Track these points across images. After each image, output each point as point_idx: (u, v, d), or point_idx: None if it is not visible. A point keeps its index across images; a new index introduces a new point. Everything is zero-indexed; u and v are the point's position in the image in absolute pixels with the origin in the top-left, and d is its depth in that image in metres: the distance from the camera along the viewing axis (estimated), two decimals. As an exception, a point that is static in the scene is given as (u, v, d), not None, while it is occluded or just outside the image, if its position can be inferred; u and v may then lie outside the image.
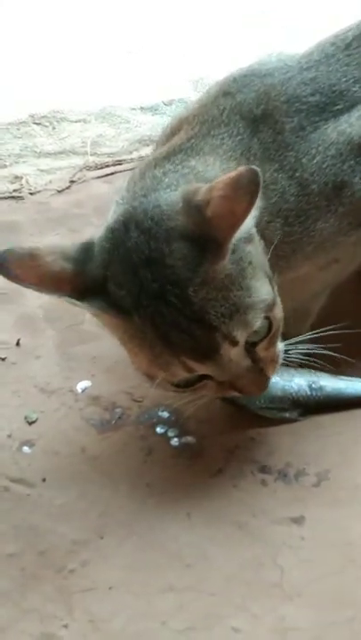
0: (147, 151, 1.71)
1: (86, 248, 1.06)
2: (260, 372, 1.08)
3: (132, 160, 1.69)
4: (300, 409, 1.20)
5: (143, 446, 1.19)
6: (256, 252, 1.08)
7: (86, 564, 1.07)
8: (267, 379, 1.09)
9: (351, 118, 1.19)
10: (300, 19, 2.01)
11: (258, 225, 1.12)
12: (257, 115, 1.17)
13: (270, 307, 1.07)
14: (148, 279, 1.02)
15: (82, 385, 1.26)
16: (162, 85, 1.87)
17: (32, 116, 1.79)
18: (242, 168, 1.01)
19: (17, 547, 1.09)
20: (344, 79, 1.20)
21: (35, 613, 1.03)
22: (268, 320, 1.07)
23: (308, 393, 1.20)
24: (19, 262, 1.03)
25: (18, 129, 1.76)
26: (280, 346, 1.11)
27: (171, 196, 1.06)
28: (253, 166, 1.00)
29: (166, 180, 1.10)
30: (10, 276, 1.03)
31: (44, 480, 1.16)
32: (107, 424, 1.22)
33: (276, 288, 1.10)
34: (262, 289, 1.06)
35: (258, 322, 1.05)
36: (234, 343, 1.04)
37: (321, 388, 1.21)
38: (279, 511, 1.10)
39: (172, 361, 1.04)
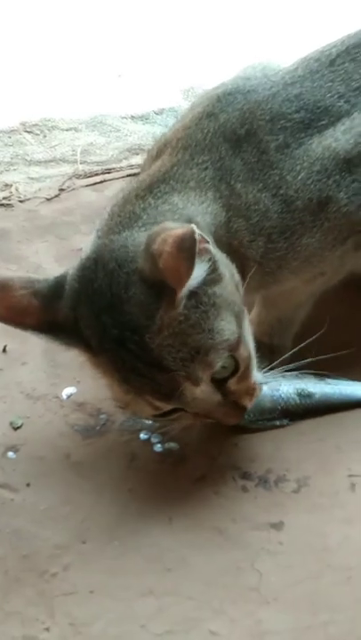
0: (137, 160, 1.72)
1: (57, 284, 1.09)
2: (233, 405, 1.10)
3: (121, 169, 1.70)
4: (290, 416, 1.22)
5: (127, 452, 1.20)
6: (223, 292, 1.08)
7: (68, 568, 1.09)
8: (243, 409, 1.11)
9: (337, 132, 1.19)
10: (290, 27, 2.03)
11: (238, 246, 1.14)
12: (240, 135, 1.17)
13: (234, 346, 1.08)
14: (109, 325, 1.05)
15: (67, 391, 1.28)
16: (152, 94, 1.89)
17: (23, 124, 1.80)
18: (187, 228, 1.01)
19: (0, 550, 1.10)
20: (329, 95, 1.21)
21: (17, 616, 1.05)
22: (234, 358, 1.08)
23: (298, 401, 1.22)
24: None
25: (9, 137, 1.78)
26: (258, 377, 1.13)
27: (140, 236, 1.08)
28: (195, 230, 1.00)
29: (144, 217, 1.11)
30: None
31: (28, 485, 1.17)
32: (91, 430, 1.23)
33: (245, 325, 1.11)
34: (225, 329, 1.07)
35: (220, 361, 1.06)
36: (196, 383, 1.06)
37: (310, 395, 1.22)
38: (259, 517, 1.12)
39: (137, 399, 1.08)
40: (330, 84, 1.22)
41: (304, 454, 1.19)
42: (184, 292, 1.03)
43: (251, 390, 1.12)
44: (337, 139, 1.19)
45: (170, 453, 1.20)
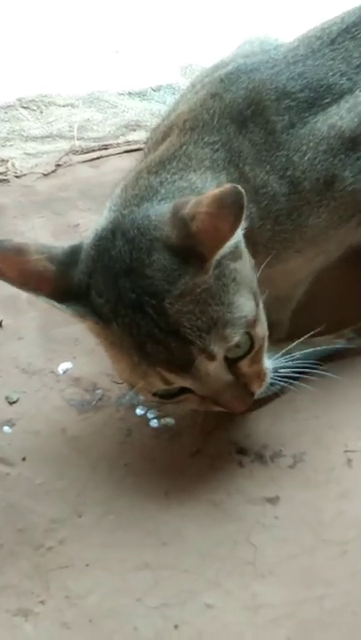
0: (133, 136, 1.71)
1: (73, 252, 1.07)
2: (243, 388, 1.08)
3: (118, 145, 1.69)
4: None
5: (123, 427, 1.20)
6: (243, 269, 1.07)
7: (64, 542, 1.09)
8: (251, 395, 1.10)
9: (341, 110, 1.18)
10: (287, 2, 2.01)
11: (248, 232, 1.11)
12: (247, 115, 1.16)
13: (251, 323, 1.06)
14: (127, 289, 1.03)
15: (63, 366, 1.28)
16: (150, 71, 1.88)
17: (20, 100, 1.79)
18: (227, 186, 1.00)
19: (-4, 524, 1.11)
20: (331, 73, 1.20)
21: (11, 589, 1.05)
22: (250, 336, 1.07)
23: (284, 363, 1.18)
24: (2, 255, 1.04)
25: (5, 112, 1.77)
26: (268, 363, 1.11)
27: (162, 207, 1.06)
28: (238, 186, 0.99)
29: (162, 191, 1.09)
30: None
31: (23, 459, 1.17)
32: (87, 405, 1.23)
33: (261, 305, 1.09)
34: (244, 306, 1.06)
35: (236, 337, 1.04)
36: (211, 357, 1.04)
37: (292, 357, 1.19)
38: (254, 491, 1.12)
39: (149, 371, 1.05)
40: (331, 62, 1.21)
41: (300, 430, 1.19)
42: (218, 256, 1.01)
43: (262, 375, 1.11)
44: (342, 117, 1.18)
45: (166, 429, 1.19)
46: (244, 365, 1.08)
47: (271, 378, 1.14)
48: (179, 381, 1.06)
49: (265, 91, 1.17)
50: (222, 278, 1.04)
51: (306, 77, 1.19)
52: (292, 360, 1.16)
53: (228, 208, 0.99)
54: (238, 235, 1.02)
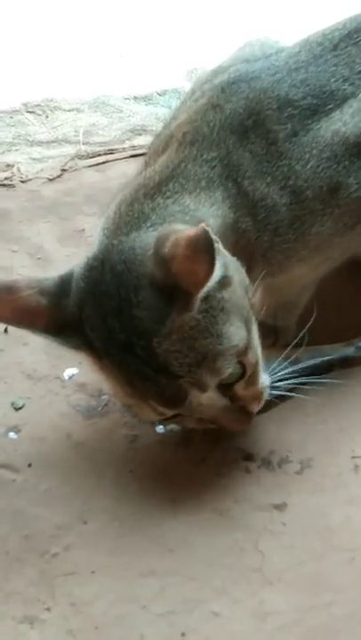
0: (139, 141, 1.71)
1: (63, 282, 1.07)
2: (240, 410, 1.08)
3: (124, 149, 1.69)
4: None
5: (128, 433, 1.19)
6: (232, 296, 1.06)
7: (69, 549, 1.08)
8: (250, 415, 1.09)
9: (345, 116, 1.17)
10: (291, 6, 2.01)
11: (245, 244, 1.12)
12: (248, 125, 1.14)
13: (243, 352, 1.06)
14: (116, 330, 1.03)
15: (69, 372, 1.27)
16: (155, 75, 1.87)
17: (25, 105, 1.79)
18: (199, 229, 0.98)
19: (1, 530, 1.10)
20: (333, 79, 1.19)
21: (17, 596, 1.04)
22: (241, 364, 1.06)
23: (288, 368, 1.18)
24: None
25: (11, 117, 1.77)
26: (264, 379, 1.11)
27: (149, 238, 1.05)
28: (207, 229, 0.97)
29: (153, 217, 1.08)
30: None
31: (29, 465, 1.17)
32: (93, 411, 1.23)
33: (254, 329, 1.09)
34: (235, 335, 1.05)
35: (228, 369, 1.04)
36: (203, 389, 1.04)
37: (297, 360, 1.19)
38: (262, 498, 1.11)
39: (140, 404, 1.06)
40: (334, 68, 1.20)
41: (307, 436, 1.18)
42: (201, 294, 1.00)
43: (258, 395, 1.10)
44: (345, 122, 1.17)
45: (171, 434, 1.19)
46: (239, 388, 1.07)
47: (273, 387, 1.13)
48: (171, 412, 1.07)
49: (266, 100, 1.16)
50: (210, 310, 1.03)
51: (308, 84, 1.18)
52: (295, 369, 1.16)
53: (201, 253, 0.97)
54: (221, 267, 1.01)
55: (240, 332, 1.06)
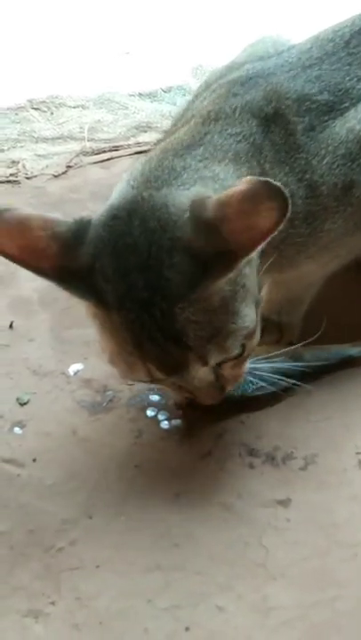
0: (144, 137, 1.71)
1: (79, 229, 1.02)
2: (219, 388, 1.08)
3: (129, 146, 1.69)
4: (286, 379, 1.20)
5: (133, 428, 1.20)
6: (251, 275, 1.06)
7: (75, 543, 1.08)
8: (223, 391, 1.09)
9: (359, 114, 1.18)
10: (297, 3, 2.01)
11: None
12: (268, 113, 1.15)
13: (250, 335, 1.05)
14: (138, 286, 1.00)
15: (74, 368, 1.28)
16: (160, 72, 1.88)
17: (30, 101, 1.79)
18: (254, 180, 0.97)
19: (6, 525, 1.10)
20: (348, 78, 1.20)
21: (22, 591, 1.05)
22: (243, 346, 1.06)
23: (291, 364, 1.20)
24: (3, 229, 0.99)
25: (16, 114, 1.77)
26: (247, 365, 1.11)
27: (181, 197, 1.03)
28: (268, 179, 0.96)
29: (185, 175, 1.07)
30: None
31: (34, 460, 1.17)
32: (98, 406, 1.23)
33: (259, 315, 1.08)
34: (247, 316, 1.04)
35: (236, 349, 1.04)
36: (205, 364, 1.04)
37: (301, 355, 1.20)
38: (266, 493, 1.12)
39: (138, 363, 1.04)
40: (348, 67, 1.20)
41: (312, 432, 1.18)
42: (251, 255, 0.98)
43: (239, 377, 1.10)
44: (360, 121, 1.17)
45: (176, 430, 1.19)
46: (227, 367, 1.07)
47: (255, 377, 1.14)
48: (165, 378, 1.05)
49: (284, 92, 1.17)
50: (235, 284, 1.02)
51: (323, 80, 1.18)
52: (300, 366, 1.17)
53: (266, 200, 0.95)
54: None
55: (252, 314, 1.05)
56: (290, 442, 1.17)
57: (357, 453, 1.16)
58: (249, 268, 1.05)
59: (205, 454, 1.16)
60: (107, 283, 1.01)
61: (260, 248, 0.99)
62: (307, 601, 1.01)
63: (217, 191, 1.04)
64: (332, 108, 1.17)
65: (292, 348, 1.22)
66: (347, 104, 1.18)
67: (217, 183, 1.08)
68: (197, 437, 1.18)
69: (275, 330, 1.30)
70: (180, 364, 1.03)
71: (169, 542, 1.08)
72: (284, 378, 1.18)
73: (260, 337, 1.28)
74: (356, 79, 1.20)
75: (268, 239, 0.98)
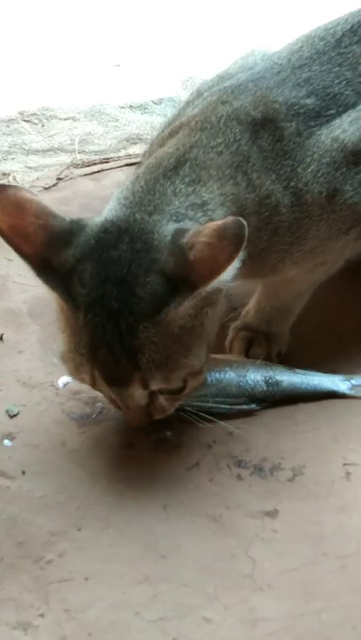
0: (135, 149, 1.72)
1: (71, 232, 1.06)
2: (146, 413, 1.12)
3: (119, 158, 1.70)
4: (257, 402, 1.22)
5: (122, 440, 1.20)
6: (212, 317, 1.10)
7: (63, 555, 1.09)
8: (149, 420, 1.13)
9: (344, 123, 1.19)
10: (286, 15, 2.02)
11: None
12: (257, 119, 1.16)
13: (194, 374, 1.09)
14: (112, 296, 1.04)
15: (63, 380, 1.28)
16: (151, 84, 1.89)
17: (21, 113, 1.80)
18: (230, 218, 1.01)
19: (-5, 537, 1.11)
20: (337, 81, 1.20)
21: (11, 602, 1.05)
22: (185, 383, 1.10)
23: (265, 388, 1.23)
24: (2, 204, 1.03)
25: (7, 126, 1.78)
26: (178, 403, 1.14)
27: (169, 226, 1.07)
28: (240, 218, 1.00)
29: (176, 203, 1.09)
30: None
31: (23, 472, 1.18)
32: (87, 418, 1.24)
33: (207, 361, 1.12)
34: (198, 356, 1.09)
35: (178, 383, 1.09)
36: (145, 388, 1.07)
37: (277, 382, 1.23)
38: (253, 504, 1.12)
39: (85, 366, 1.07)
40: (338, 68, 1.21)
41: (299, 443, 1.19)
42: (211, 286, 1.02)
43: (167, 410, 1.13)
44: (344, 130, 1.18)
45: (164, 442, 1.20)
46: (162, 397, 1.11)
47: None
48: (104, 389, 1.10)
49: (272, 96, 1.18)
50: (195, 319, 1.06)
51: (312, 84, 1.19)
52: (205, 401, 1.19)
53: (229, 239, 1.00)
54: (229, 272, 1.02)
55: (202, 355, 1.09)
56: (278, 453, 1.18)
57: (345, 465, 1.16)
58: (211, 311, 1.09)
59: (193, 466, 1.17)
60: (82, 286, 1.05)
61: (215, 283, 1.02)
62: (294, 612, 1.02)
63: (200, 220, 1.08)
64: (319, 114, 1.18)
65: (274, 367, 1.24)
66: (333, 111, 1.19)
67: (205, 214, 1.10)
68: (186, 449, 1.19)
69: (263, 340, 1.31)
70: (124, 380, 1.07)
71: (157, 554, 1.08)
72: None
73: (249, 347, 1.31)
74: (345, 82, 1.20)
75: (222, 276, 1.01)
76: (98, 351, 1.05)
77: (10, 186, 1.06)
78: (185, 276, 1.02)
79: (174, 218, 1.08)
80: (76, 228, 1.07)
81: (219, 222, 1.02)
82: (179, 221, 1.08)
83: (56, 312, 1.10)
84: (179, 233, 1.04)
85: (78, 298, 1.05)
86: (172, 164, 1.13)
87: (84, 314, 1.05)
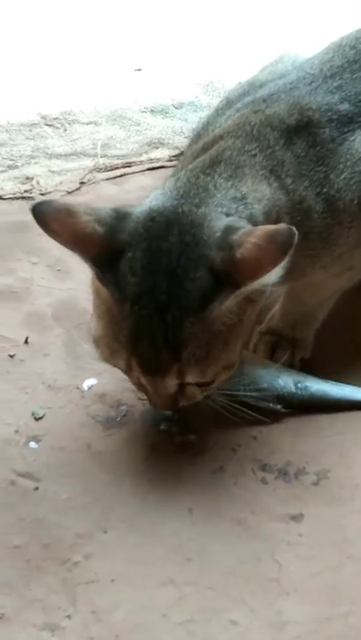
0: (156, 154, 1.73)
1: (120, 217, 1.07)
2: (173, 400, 1.12)
3: (141, 162, 1.71)
4: (284, 403, 1.23)
5: (147, 443, 1.21)
6: (250, 315, 1.11)
7: (90, 557, 1.10)
8: (176, 406, 1.13)
9: None
10: (307, 20, 2.03)
11: None
12: (291, 125, 1.17)
13: (227, 368, 1.10)
14: (161, 288, 1.05)
15: (88, 382, 1.29)
16: (172, 88, 1.90)
17: (44, 118, 1.81)
18: (283, 225, 1.03)
19: (22, 539, 1.12)
20: None
21: (39, 604, 1.06)
22: (216, 376, 1.10)
23: (293, 390, 1.23)
24: (56, 216, 1.05)
25: (30, 130, 1.79)
26: (203, 394, 1.14)
27: (218, 220, 1.07)
28: (292, 227, 1.02)
29: (218, 195, 1.10)
30: (47, 229, 1.05)
31: (49, 475, 1.18)
32: (112, 421, 1.24)
33: (240, 356, 1.13)
34: (233, 352, 1.10)
35: (211, 377, 1.09)
36: (180, 378, 1.08)
37: (306, 387, 1.23)
38: (278, 508, 1.13)
39: (122, 354, 1.08)
40: None
41: (324, 447, 1.20)
42: (252, 286, 1.03)
43: (194, 399, 1.13)
44: None
45: (189, 444, 1.20)
46: (192, 388, 1.11)
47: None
48: (140, 377, 1.10)
49: (306, 102, 1.18)
50: (235, 316, 1.07)
51: (344, 90, 1.20)
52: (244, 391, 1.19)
53: (277, 244, 1.01)
54: (272, 276, 1.03)
55: (236, 352, 1.10)
56: (302, 457, 1.19)
57: (369, 469, 1.17)
58: (251, 310, 1.10)
59: (218, 469, 1.18)
60: (133, 275, 1.05)
61: (256, 285, 1.03)
62: (320, 616, 1.02)
63: (242, 213, 1.09)
64: (352, 120, 1.19)
65: (305, 375, 1.24)
66: None
67: (246, 207, 1.10)
68: (211, 452, 1.19)
69: (288, 345, 1.31)
70: (161, 371, 1.07)
71: (182, 557, 1.09)
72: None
73: (273, 352, 1.31)
74: None
75: (264, 278, 1.03)
76: (140, 342, 1.06)
77: (51, 200, 1.07)
78: (230, 273, 1.03)
79: (220, 210, 1.09)
80: (121, 214, 1.08)
81: (271, 226, 1.03)
82: (226, 215, 1.08)
83: (93, 298, 1.11)
84: (230, 230, 1.05)
85: (126, 287, 1.05)
86: (207, 163, 1.14)
87: (132, 304, 1.05)
